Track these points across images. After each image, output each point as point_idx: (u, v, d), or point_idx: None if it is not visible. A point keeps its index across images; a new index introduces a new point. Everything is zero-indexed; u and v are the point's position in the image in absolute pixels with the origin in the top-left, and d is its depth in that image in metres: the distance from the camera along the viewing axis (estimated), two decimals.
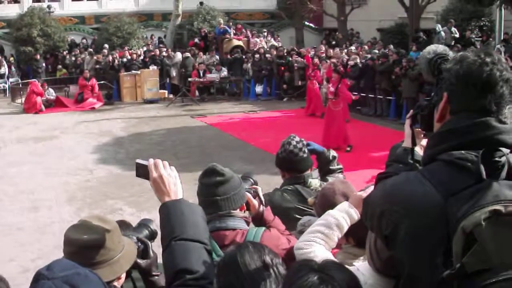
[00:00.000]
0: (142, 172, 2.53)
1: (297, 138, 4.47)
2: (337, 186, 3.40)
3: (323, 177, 4.54)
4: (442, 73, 2.09)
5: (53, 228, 9.63)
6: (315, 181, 4.32)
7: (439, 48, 2.34)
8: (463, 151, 1.85)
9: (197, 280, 2.18)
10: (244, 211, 3.21)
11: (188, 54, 25.94)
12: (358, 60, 21.38)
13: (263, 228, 3.17)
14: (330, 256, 2.79)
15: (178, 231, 2.28)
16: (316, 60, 21.92)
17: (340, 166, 4.62)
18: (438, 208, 1.78)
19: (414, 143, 2.51)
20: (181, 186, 2.50)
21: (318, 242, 2.84)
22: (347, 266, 2.60)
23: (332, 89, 15.16)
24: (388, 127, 17.86)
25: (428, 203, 1.81)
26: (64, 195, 11.59)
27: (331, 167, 4.56)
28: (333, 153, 4.61)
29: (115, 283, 2.57)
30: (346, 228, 2.86)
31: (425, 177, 1.88)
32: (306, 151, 4.42)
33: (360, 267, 2.56)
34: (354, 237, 3.01)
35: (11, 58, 29.03)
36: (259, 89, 25.07)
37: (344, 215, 2.91)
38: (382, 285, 2.40)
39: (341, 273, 2.02)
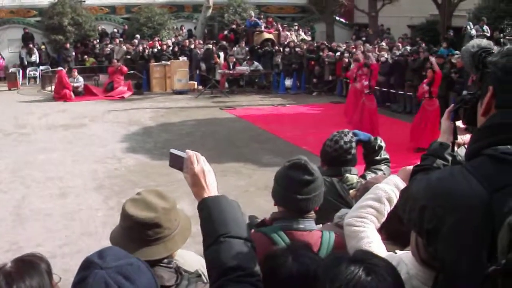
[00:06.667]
0: (176, 163, 2.43)
1: (348, 137, 4.31)
2: (381, 181, 3.32)
3: (367, 167, 4.44)
4: (486, 67, 2.05)
5: (81, 215, 9.67)
6: (352, 177, 4.22)
7: (484, 42, 2.31)
8: (508, 146, 1.81)
9: (249, 277, 2.12)
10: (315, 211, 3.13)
11: (209, 46, 25.82)
12: (387, 56, 21.12)
13: (333, 233, 3.07)
14: (379, 239, 2.78)
15: (222, 229, 2.21)
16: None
17: (386, 157, 4.47)
18: (483, 203, 1.74)
19: (455, 137, 2.52)
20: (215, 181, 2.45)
21: (370, 219, 2.83)
22: (390, 253, 2.59)
23: (366, 83, 15.13)
24: None
25: (473, 198, 1.77)
26: (92, 182, 11.62)
27: (376, 157, 4.43)
28: (380, 142, 4.46)
29: None
30: (395, 202, 2.81)
31: (470, 172, 1.83)
32: (354, 151, 4.29)
33: (403, 256, 2.53)
34: (386, 230, 2.95)
35: (43, 46, 29.29)
36: (288, 82, 25.01)
37: (393, 188, 2.90)
38: (424, 277, 2.37)
39: (381, 261, 1.99)
